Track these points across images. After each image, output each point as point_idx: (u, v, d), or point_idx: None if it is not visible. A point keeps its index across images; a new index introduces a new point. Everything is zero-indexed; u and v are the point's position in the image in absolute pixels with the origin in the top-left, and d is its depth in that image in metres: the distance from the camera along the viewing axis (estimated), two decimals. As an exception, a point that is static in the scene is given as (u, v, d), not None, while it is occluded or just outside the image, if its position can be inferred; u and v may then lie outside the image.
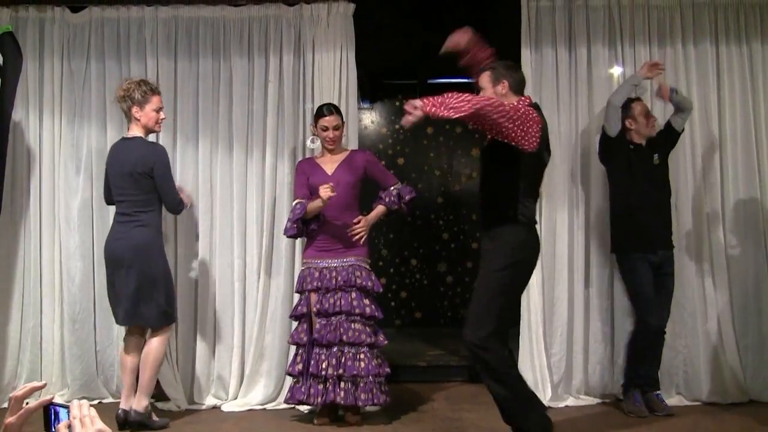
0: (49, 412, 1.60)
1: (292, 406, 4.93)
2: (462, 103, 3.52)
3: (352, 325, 4.60)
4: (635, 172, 4.90)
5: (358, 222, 4.78)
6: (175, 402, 5.07)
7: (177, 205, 4.64)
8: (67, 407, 1.57)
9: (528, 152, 3.79)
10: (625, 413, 4.82)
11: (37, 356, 5.25)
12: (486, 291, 3.86)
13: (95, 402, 4.96)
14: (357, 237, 4.76)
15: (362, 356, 4.59)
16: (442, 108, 3.51)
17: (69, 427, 1.53)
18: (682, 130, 5.02)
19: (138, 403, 4.49)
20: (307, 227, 4.78)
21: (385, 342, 4.74)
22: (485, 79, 4.05)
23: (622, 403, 4.93)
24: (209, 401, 5.19)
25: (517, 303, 4.31)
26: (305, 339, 4.68)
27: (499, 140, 3.78)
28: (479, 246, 4.25)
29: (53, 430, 1.57)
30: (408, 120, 3.59)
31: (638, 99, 5.03)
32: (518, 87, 4.03)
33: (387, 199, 4.89)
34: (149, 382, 4.54)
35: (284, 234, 4.88)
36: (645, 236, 4.84)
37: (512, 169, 3.87)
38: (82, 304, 5.22)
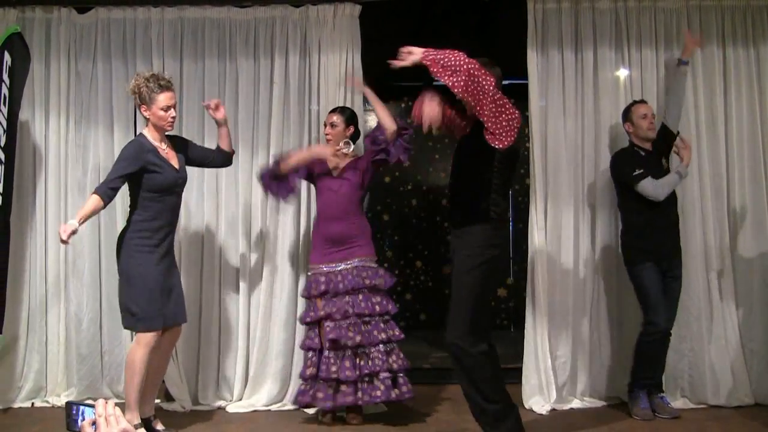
0: (72, 410, 1.61)
1: (297, 408, 4.95)
2: (457, 63, 3.55)
3: (362, 326, 4.61)
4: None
5: None
6: (179, 403, 5.08)
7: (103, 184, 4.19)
8: (92, 406, 1.58)
9: (500, 149, 3.80)
10: (630, 415, 4.81)
11: (43, 356, 5.26)
12: (459, 293, 3.91)
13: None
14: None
15: (377, 354, 4.62)
16: (438, 65, 3.56)
17: (94, 424, 1.54)
18: (678, 133, 5.00)
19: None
20: (287, 182, 4.82)
21: (401, 336, 4.76)
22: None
23: (627, 405, 4.92)
24: (214, 402, 5.19)
25: (490, 300, 4.25)
26: (317, 343, 4.69)
27: (474, 135, 3.81)
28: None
29: (78, 427, 1.59)
30: (397, 63, 3.63)
31: (642, 101, 5.01)
32: (499, 84, 3.95)
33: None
34: (125, 393, 4.27)
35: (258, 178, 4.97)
36: (657, 249, 4.83)
37: (488, 164, 3.86)
38: (89, 305, 5.23)
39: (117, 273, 4.35)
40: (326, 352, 4.61)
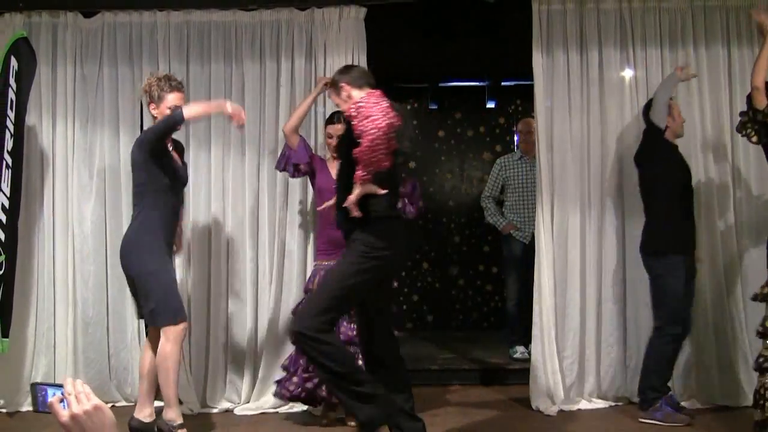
0: (36, 392, 1.59)
1: (301, 409, 4.98)
2: (374, 154, 3.47)
3: (344, 322, 4.63)
4: (676, 171, 4.81)
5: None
6: (187, 405, 5.08)
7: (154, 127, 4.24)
8: (59, 386, 1.55)
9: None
10: (637, 419, 4.73)
11: (51, 359, 5.27)
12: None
13: (108, 406, 4.95)
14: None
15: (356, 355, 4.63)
16: (369, 172, 3.53)
17: (62, 401, 1.51)
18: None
19: (138, 410, 4.28)
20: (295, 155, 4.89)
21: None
22: (335, 99, 4.00)
23: (638, 408, 4.78)
24: (222, 405, 5.21)
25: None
26: None
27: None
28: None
29: (45, 408, 1.56)
30: (355, 211, 3.63)
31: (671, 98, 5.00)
32: (357, 81, 3.88)
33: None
34: (162, 392, 4.22)
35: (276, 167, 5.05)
36: (687, 238, 4.78)
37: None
38: (96, 308, 5.25)
39: (125, 276, 4.31)
40: None
